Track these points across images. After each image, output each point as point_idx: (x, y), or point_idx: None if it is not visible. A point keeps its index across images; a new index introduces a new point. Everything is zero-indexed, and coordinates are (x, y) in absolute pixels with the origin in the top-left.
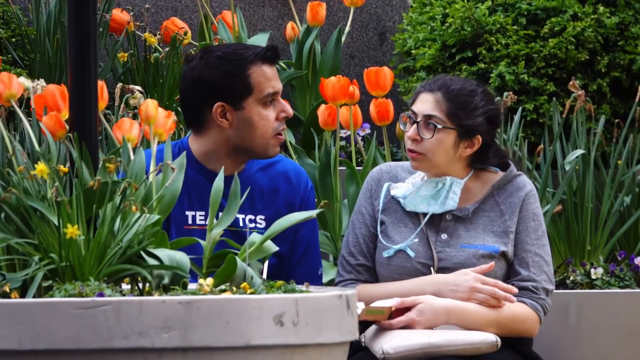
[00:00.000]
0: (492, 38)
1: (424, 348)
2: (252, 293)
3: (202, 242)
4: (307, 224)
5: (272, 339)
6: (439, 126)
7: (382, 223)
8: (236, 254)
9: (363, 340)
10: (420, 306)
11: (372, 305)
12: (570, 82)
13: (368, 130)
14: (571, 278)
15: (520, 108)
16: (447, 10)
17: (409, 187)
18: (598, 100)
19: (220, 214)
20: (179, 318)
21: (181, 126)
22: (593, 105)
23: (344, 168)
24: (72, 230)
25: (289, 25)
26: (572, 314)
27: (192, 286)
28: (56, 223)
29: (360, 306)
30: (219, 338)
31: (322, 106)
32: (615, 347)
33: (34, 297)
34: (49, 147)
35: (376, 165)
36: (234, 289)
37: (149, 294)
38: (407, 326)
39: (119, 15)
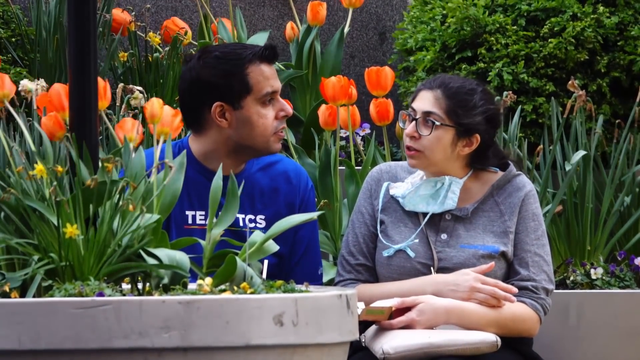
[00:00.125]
0: (492, 38)
1: (424, 348)
2: (252, 293)
3: (202, 242)
4: (307, 224)
5: (272, 338)
6: (437, 123)
7: (382, 222)
8: (236, 254)
9: (363, 340)
10: (421, 306)
11: (372, 305)
12: (570, 82)
13: (368, 130)
14: (571, 278)
15: (519, 108)
16: (445, 11)
17: (408, 186)
18: (598, 100)
19: (220, 213)
20: (179, 318)
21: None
22: (593, 106)
23: (344, 168)
24: (72, 230)
25: (289, 25)
26: (572, 314)
27: (192, 286)
28: (55, 223)
29: (361, 306)
30: (219, 338)
31: (323, 106)
32: (615, 347)
33: (33, 297)
34: (46, 148)
35: (376, 165)
36: (234, 288)
37: (149, 293)
38: (407, 326)
39: (120, 15)
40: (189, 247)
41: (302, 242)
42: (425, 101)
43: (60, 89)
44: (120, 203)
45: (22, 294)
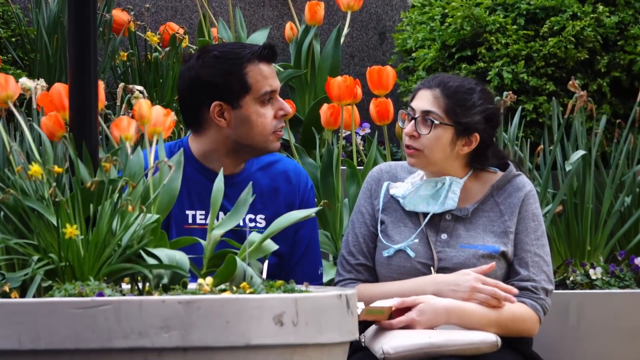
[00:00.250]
0: (492, 37)
1: (424, 348)
2: (252, 293)
3: (202, 242)
4: (307, 223)
5: (272, 338)
6: (436, 122)
7: (382, 222)
8: (236, 254)
9: (363, 340)
10: (421, 306)
11: (372, 305)
12: (570, 82)
13: (368, 130)
14: (571, 278)
15: (519, 108)
16: (446, 10)
17: (408, 186)
18: (598, 100)
19: (221, 213)
20: (179, 318)
21: (181, 126)
22: (594, 106)
23: (345, 167)
24: (71, 230)
25: (288, 25)
26: (572, 314)
27: (192, 286)
28: (54, 223)
29: (360, 306)
30: (219, 338)
31: (325, 105)
32: (615, 347)
33: (33, 297)
34: (46, 148)
35: (376, 165)
36: (234, 288)
37: (149, 293)
38: (407, 326)
39: (119, 15)
40: (188, 246)
41: (302, 242)
42: (424, 100)
43: (61, 88)
44: (120, 203)
45: (22, 294)
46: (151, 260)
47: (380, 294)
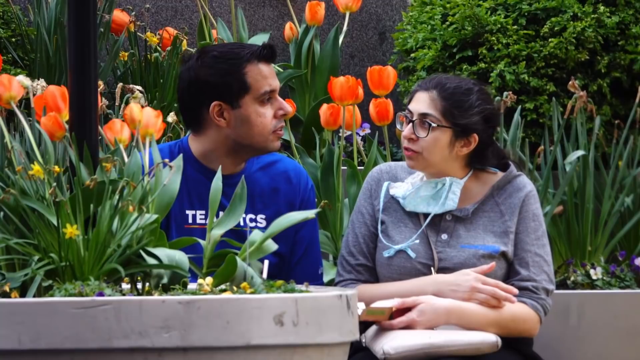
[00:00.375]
0: (493, 38)
1: (424, 348)
2: (252, 293)
3: (202, 242)
4: (307, 224)
5: (272, 338)
6: (434, 124)
7: (382, 223)
8: (236, 254)
9: (363, 340)
10: (421, 306)
11: (373, 305)
12: (570, 82)
13: (368, 130)
14: (572, 278)
15: (519, 108)
16: (447, 10)
17: (408, 187)
18: (598, 100)
19: (221, 213)
20: (179, 318)
21: (181, 126)
22: (594, 106)
23: (345, 168)
24: (72, 230)
25: (287, 25)
26: (573, 315)
27: (192, 286)
28: (55, 223)
29: (361, 306)
30: (219, 338)
31: (324, 106)
32: (616, 347)
33: (34, 297)
34: (47, 148)
35: (377, 165)
36: (234, 288)
37: (149, 293)
38: (407, 326)
39: (119, 15)
40: (189, 246)
41: (303, 242)
42: (421, 102)
43: (55, 91)
44: (120, 203)
45: (22, 294)
46: (151, 260)
47: (381, 294)
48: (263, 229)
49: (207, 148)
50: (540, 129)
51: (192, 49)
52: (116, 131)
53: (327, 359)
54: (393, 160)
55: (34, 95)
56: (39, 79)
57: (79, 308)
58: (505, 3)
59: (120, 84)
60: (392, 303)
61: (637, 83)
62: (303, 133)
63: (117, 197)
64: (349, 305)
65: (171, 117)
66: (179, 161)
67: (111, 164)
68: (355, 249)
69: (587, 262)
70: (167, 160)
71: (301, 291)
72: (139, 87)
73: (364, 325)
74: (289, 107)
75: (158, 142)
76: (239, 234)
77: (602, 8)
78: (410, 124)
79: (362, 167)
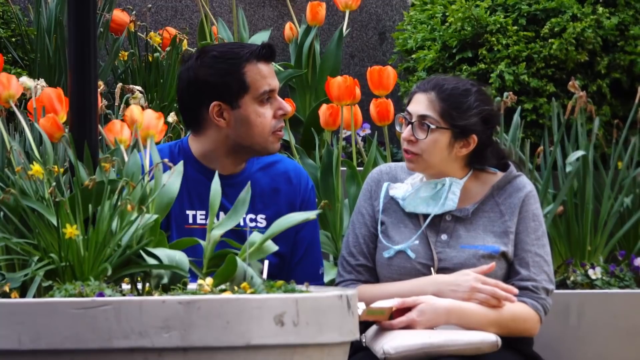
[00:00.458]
0: (493, 38)
1: (424, 348)
2: (252, 293)
3: (202, 242)
4: (308, 224)
5: (273, 338)
6: (433, 126)
7: (382, 223)
8: (236, 254)
9: (364, 340)
10: (421, 306)
11: (373, 305)
12: (570, 83)
13: (368, 131)
14: (571, 278)
15: (519, 108)
16: (447, 11)
17: (408, 188)
18: (598, 101)
19: (222, 213)
20: (179, 318)
21: (181, 126)
22: (594, 107)
23: (345, 168)
24: (71, 230)
25: (287, 25)
26: (573, 314)
27: (192, 286)
28: (54, 223)
29: (361, 306)
30: (219, 338)
31: (324, 106)
32: (615, 347)
33: (34, 297)
34: (46, 148)
35: (377, 166)
36: (234, 288)
37: (149, 293)
38: (407, 326)
39: (120, 15)
40: (189, 247)
41: (303, 243)
42: (420, 104)
43: (51, 93)
44: (119, 203)
45: (22, 294)
46: (151, 260)
47: (381, 294)
48: (263, 229)
49: (207, 148)
50: (539, 130)
51: (192, 49)
52: (116, 132)
53: (327, 359)
54: (393, 160)
55: (35, 97)
56: (38, 79)
57: (79, 308)
58: (505, 4)
59: (120, 84)
60: (392, 303)
61: (637, 84)
62: (303, 133)
63: (116, 197)
64: (349, 305)
65: (171, 117)
66: (180, 165)
67: (110, 164)
68: (356, 250)
69: (587, 262)
70: (166, 160)
71: (301, 291)
72: (139, 87)
73: (364, 325)
74: (288, 106)
75: (158, 142)
76: (239, 234)
77: (601, 9)
78: (409, 126)
79: (362, 168)
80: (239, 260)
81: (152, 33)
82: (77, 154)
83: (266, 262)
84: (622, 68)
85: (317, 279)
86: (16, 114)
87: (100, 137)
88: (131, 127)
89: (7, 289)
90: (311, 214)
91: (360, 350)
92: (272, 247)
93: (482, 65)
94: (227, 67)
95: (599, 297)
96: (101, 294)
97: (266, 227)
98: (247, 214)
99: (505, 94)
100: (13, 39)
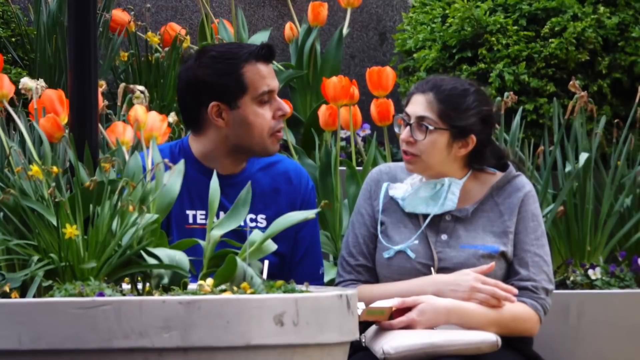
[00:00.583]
0: (493, 38)
1: (424, 348)
2: (252, 293)
3: (202, 242)
4: (308, 224)
5: (273, 338)
6: (431, 127)
7: (382, 223)
8: (236, 254)
9: (363, 340)
10: (421, 306)
11: (373, 305)
12: (571, 83)
13: (368, 131)
14: (571, 278)
15: (520, 108)
16: (447, 11)
17: (408, 188)
18: (598, 101)
19: (222, 213)
20: (179, 318)
21: (181, 126)
22: (594, 107)
23: (344, 168)
24: (71, 230)
25: (288, 25)
26: (573, 314)
27: (192, 286)
28: (54, 223)
29: (361, 306)
30: (219, 338)
31: (323, 106)
32: (615, 347)
33: (34, 297)
34: (45, 148)
35: (376, 166)
36: (234, 288)
37: (149, 293)
38: (407, 326)
39: (120, 15)
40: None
41: (303, 242)
42: (418, 105)
43: (53, 95)
44: (119, 203)
45: (23, 294)
46: (151, 260)
47: (381, 294)
48: (263, 229)
49: (207, 148)
50: (540, 130)
51: (194, 46)
52: (119, 133)
53: (327, 359)
54: (393, 160)
55: (37, 96)
56: (38, 79)
57: (79, 308)
58: (505, 3)
59: (122, 84)
60: (392, 303)
61: (637, 84)
62: (304, 134)
63: (116, 197)
64: (349, 305)
65: (171, 117)
66: (180, 165)
67: (110, 164)
68: (355, 250)
69: (587, 262)
70: (167, 160)
71: (301, 291)
72: (141, 87)
73: (363, 325)
74: (287, 107)
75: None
76: (239, 234)
77: (602, 8)
78: (408, 127)
79: (361, 168)
80: (239, 260)
81: (149, 33)
82: (77, 154)
83: (266, 262)
84: (622, 68)
85: (317, 279)
86: (17, 113)
87: (101, 137)
88: (134, 126)
89: (7, 289)
90: (310, 213)
91: (360, 350)
92: (272, 246)
93: (482, 65)
94: (226, 68)
95: (598, 297)
96: (101, 294)
97: (266, 227)
98: (247, 213)
99: (506, 94)
100: (13, 39)
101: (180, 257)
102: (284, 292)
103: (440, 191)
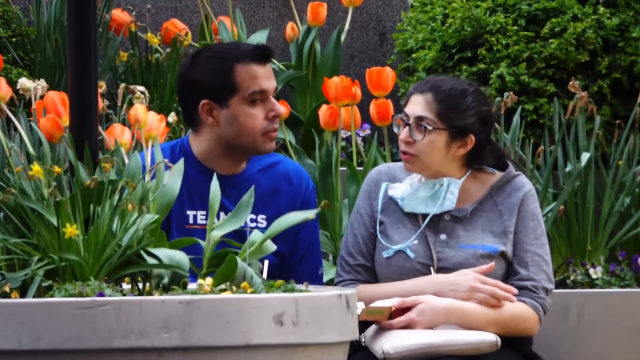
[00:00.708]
0: (493, 38)
1: (424, 348)
2: (252, 293)
3: (202, 242)
4: (308, 224)
5: (272, 338)
6: (430, 127)
7: (381, 223)
8: (236, 254)
9: (363, 340)
10: (421, 306)
11: (372, 305)
12: (570, 83)
13: (368, 131)
14: (572, 278)
15: (519, 108)
16: (447, 11)
17: (407, 188)
18: (598, 101)
19: (222, 213)
20: (179, 318)
21: (182, 126)
22: (594, 107)
23: (345, 168)
24: (71, 230)
25: (289, 25)
26: (573, 314)
27: (192, 286)
28: (54, 223)
29: (360, 306)
30: (219, 338)
31: (323, 106)
32: (616, 346)
33: (34, 297)
34: (45, 148)
35: (376, 166)
36: (234, 288)
37: (149, 293)
38: (407, 326)
39: (120, 15)
40: (189, 247)
41: (303, 243)
42: (417, 105)
43: (55, 96)
44: (120, 203)
45: (23, 294)
46: (151, 260)
47: (380, 294)
48: (263, 229)
49: (205, 147)
50: (540, 130)
51: (195, 44)
52: (117, 135)
53: (327, 359)
54: (393, 160)
55: (35, 97)
56: (38, 79)
57: (79, 308)
58: (505, 4)
59: (122, 85)
60: (392, 303)
61: (637, 84)
62: (304, 134)
63: (116, 197)
64: (349, 305)
65: (171, 117)
66: (180, 164)
67: (109, 164)
68: (355, 250)
69: (587, 262)
70: (167, 160)
71: (301, 291)
72: (142, 88)
73: (363, 325)
74: (281, 108)
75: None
76: (239, 234)
77: (602, 9)
78: (407, 127)
79: (362, 168)
80: (239, 260)
81: (149, 34)
82: (77, 154)
83: (266, 262)
84: (622, 68)
85: (316, 279)
86: (17, 113)
87: (100, 137)
88: (134, 126)
89: (7, 289)
90: (310, 213)
91: (360, 350)
92: (271, 246)
93: (482, 66)
94: (218, 67)
95: (599, 297)
96: (101, 294)
97: (267, 228)
98: None
99: (506, 94)
100: (13, 39)
101: (180, 257)
102: (284, 291)
103: (439, 191)
